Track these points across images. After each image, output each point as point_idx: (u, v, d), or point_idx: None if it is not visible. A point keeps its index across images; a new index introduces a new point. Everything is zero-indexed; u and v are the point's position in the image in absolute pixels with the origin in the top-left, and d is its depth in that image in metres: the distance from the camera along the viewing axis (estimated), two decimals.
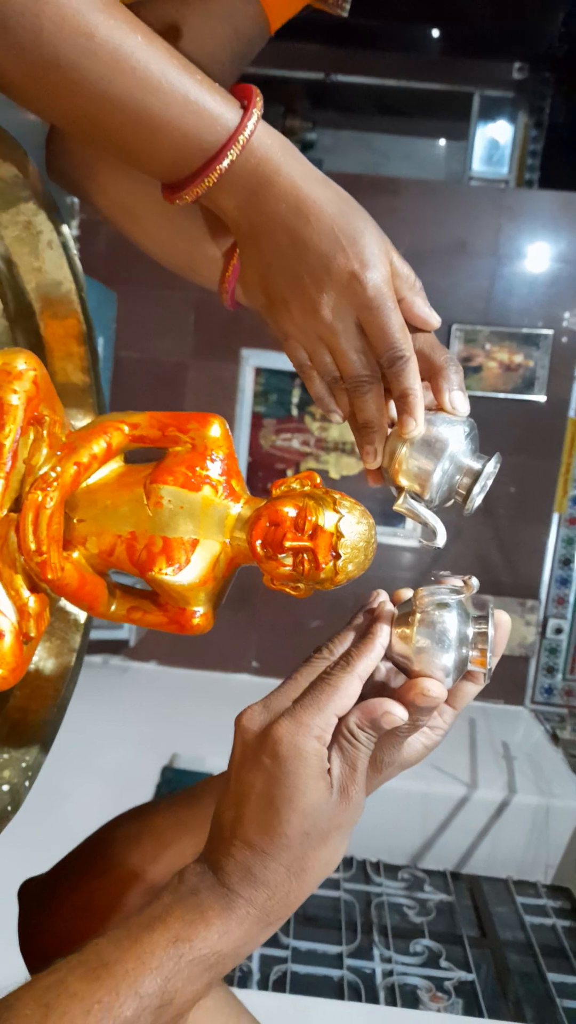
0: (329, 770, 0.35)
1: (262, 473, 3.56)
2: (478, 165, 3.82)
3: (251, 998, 2.02)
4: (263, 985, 2.04)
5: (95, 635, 3.28)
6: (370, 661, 0.36)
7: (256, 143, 0.36)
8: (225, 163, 0.35)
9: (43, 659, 0.49)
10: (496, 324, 3.21)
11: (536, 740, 3.19)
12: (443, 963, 2.27)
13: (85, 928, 0.48)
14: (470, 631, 0.37)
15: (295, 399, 3.60)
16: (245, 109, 0.36)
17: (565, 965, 2.33)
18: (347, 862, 2.65)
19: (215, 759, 2.61)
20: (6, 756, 0.46)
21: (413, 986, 2.16)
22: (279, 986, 2.03)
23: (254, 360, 3.43)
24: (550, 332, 3.16)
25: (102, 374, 0.53)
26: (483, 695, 3.79)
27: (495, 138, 3.90)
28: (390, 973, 2.19)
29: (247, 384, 3.47)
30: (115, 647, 3.51)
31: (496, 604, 3.54)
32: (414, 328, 0.40)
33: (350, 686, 0.36)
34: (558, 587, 3.36)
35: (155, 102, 0.34)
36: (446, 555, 3.45)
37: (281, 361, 3.40)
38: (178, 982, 0.32)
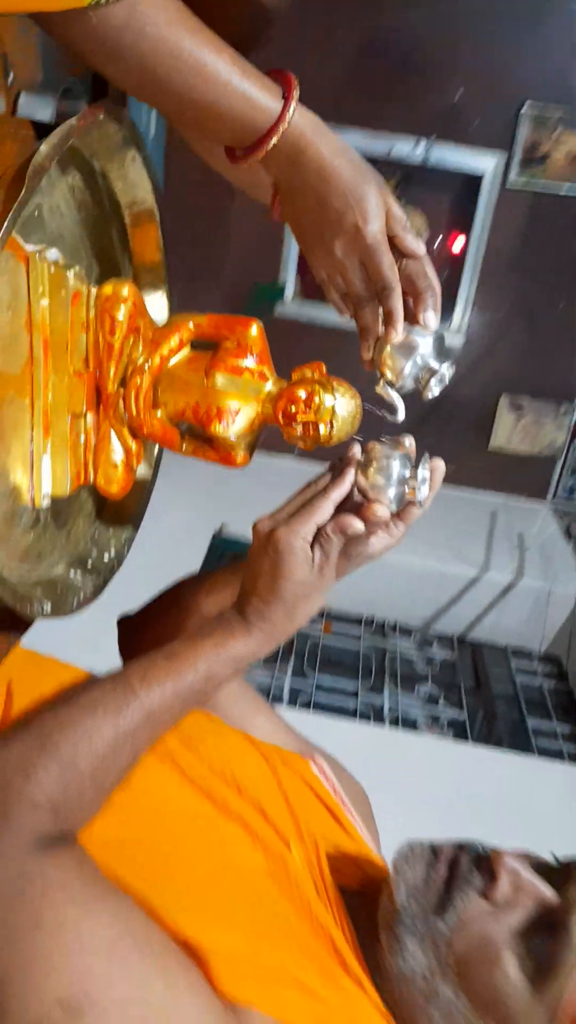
0: (312, 558, 0.56)
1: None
2: None
3: (280, 712, 2.48)
4: (291, 705, 2.51)
5: None
6: (341, 491, 0.56)
7: (294, 125, 0.49)
8: (272, 142, 0.49)
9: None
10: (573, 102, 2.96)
11: (551, 534, 3.46)
12: (441, 704, 2.71)
13: (164, 642, 0.74)
14: (407, 473, 0.56)
15: None
16: (287, 98, 0.48)
17: (544, 713, 2.75)
18: (368, 621, 3.07)
19: None
20: (110, 532, 0.69)
21: (414, 718, 2.61)
22: (303, 708, 2.50)
23: None
24: None
25: None
26: (507, 489, 3.96)
27: None
28: (396, 707, 2.63)
29: None
30: None
31: (531, 406, 3.60)
32: (405, 256, 0.54)
33: (326, 506, 0.56)
34: None
35: (224, 100, 0.47)
36: (489, 356, 3.51)
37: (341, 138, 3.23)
38: (216, 667, 0.56)
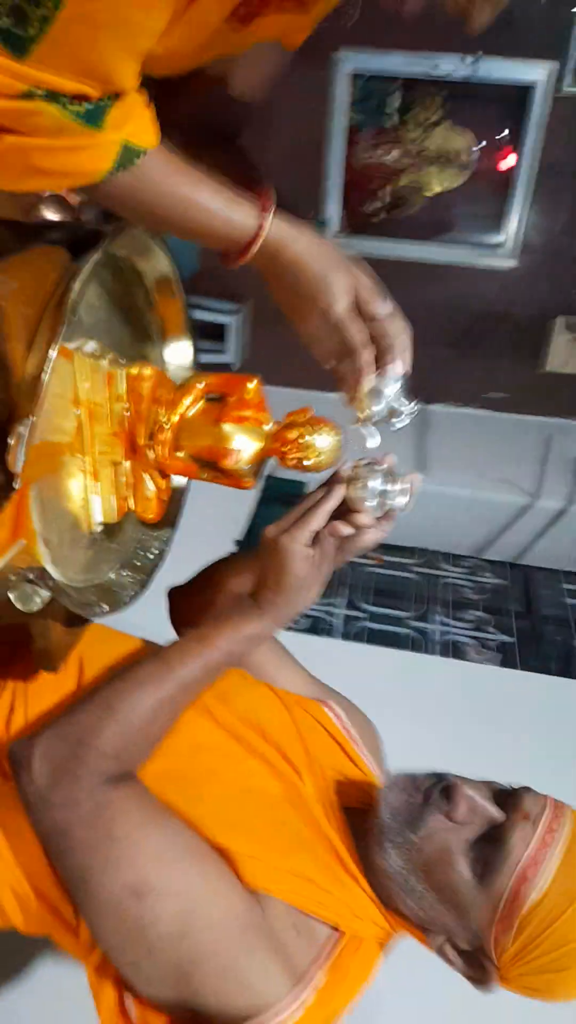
0: (311, 556, 0.71)
1: (356, 194, 3.47)
2: None
3: (333, 644, 2.66)
4: (345, 637, 2.71)
5: (201, 359, 3.59)
6: (331, 504, 0.70)
7: (270, 235, 0.61)
8: (253, 250, 0.61)
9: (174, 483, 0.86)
10: None
11: None
12: (490, 629, 2.84)
13: (200, 617, 0.92)
14: (386, 488, 0.70)
15: (396, 104, 3.35)
16: (264, 209, 0.61)
17: None
18: (420, 552, 3.20)
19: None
20: (155, 534, 0.86)
21: (463, 643, 2.77)
22: (358, 638, 2.69)
23: (351, 64, 3.17)
24: None
25: None
26: (563, 412, 3.92)
27: None
28: (446, 633, 2.78)
29: (342, 93, 3.24)
30: (219, 369, 3.84)
31: None
32: (375, 317, 0.67)
33: (319, 516, 0.70)
34: None
35: (212, 225, 0.59)
36: (543, 276, 3.45)
37: (381, 62, 3.14)
38: (235, 646, 0.73)
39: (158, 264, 0.75)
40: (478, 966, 0.71)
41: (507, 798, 0.74)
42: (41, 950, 1.34)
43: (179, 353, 0.81)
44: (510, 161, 3.33)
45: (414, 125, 3.42)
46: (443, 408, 3.77)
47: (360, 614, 2.78)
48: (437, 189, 3.56)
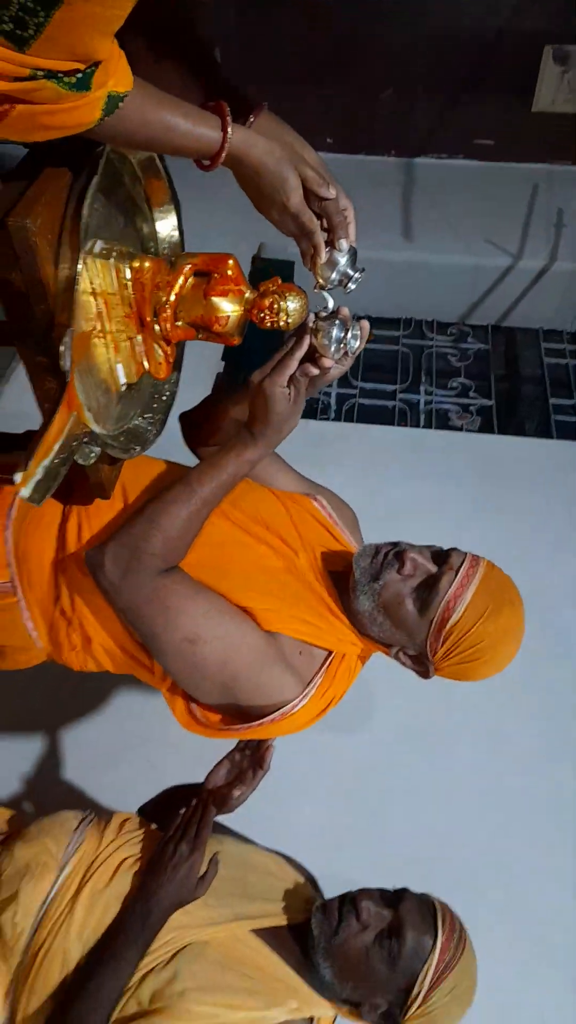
0: (288, 394, 0.91)
1: None
2: None
3: (328, 426, 2.88)
4: (337, 416, 2.93)
5: None
6: (301, 351, 0.89)
7: (232, 144, 0.74)
8: (222, 158, 0.74)
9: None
10: None
11: None
12: (471, 394, 3.05)
13: (208, 437, 1.14)
14: (342, 334, 0.88)
15: None
16: (224, 123, 0.73)
17: (565, 392, 3.07)
18: (407, 322, 3.31)
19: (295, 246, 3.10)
20: (165, 380, 1.05)
21: (446, 410, 2.99)
22: (348, 416, 2.92)
23: None
24: None
25: None
26: (552, 157, 3.75)
27: None
28: (430, 403, 3.00)
29: None
30: None
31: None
32: (322, 199, 0.81)
33: (292, 362, 0.89)
34: None
35: (183, 142, 0.72)
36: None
37: None
38: (239, 468, 0.96)
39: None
40: (421, 664, 1.04)
41: (440, 555, 1.02)
42: (126, 684, 1.76)
43: (168, 221, 0.95)
44: None
45: None
46: (428, 160, 3.63)
47: (351, 391, 2.97)
48: None
